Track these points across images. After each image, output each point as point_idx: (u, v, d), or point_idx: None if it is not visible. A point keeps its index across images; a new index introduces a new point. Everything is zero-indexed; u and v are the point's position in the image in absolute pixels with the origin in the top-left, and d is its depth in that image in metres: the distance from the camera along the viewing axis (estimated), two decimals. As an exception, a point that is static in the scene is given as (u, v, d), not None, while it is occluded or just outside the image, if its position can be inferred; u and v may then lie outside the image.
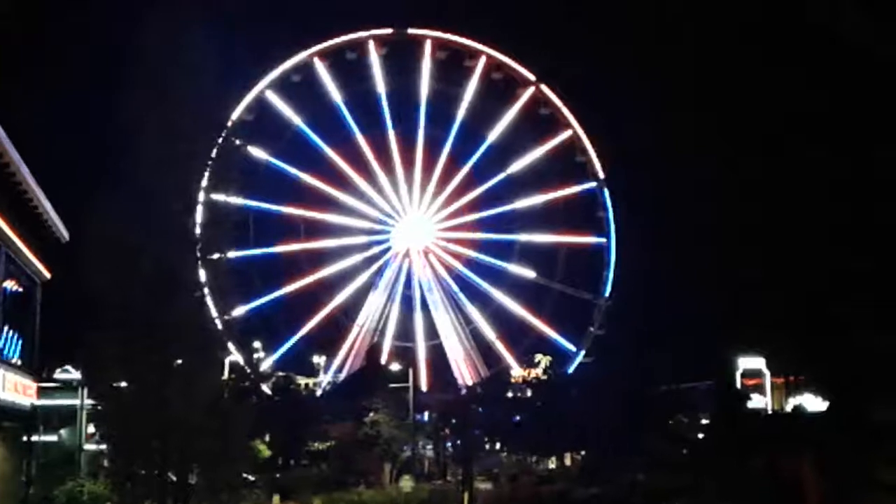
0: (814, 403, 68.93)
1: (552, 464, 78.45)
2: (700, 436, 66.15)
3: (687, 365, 72.54)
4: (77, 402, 51.00)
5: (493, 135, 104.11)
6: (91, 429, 48.35)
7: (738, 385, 77.93)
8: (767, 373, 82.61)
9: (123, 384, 30.27)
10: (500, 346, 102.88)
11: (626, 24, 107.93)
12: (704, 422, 68.44)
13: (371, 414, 69.10)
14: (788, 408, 74.70)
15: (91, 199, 29.90)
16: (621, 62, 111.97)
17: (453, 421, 75.62)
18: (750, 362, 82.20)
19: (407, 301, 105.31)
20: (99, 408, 33.17)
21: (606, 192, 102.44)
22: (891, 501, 30.92)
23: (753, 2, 36.91)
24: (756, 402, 77.16)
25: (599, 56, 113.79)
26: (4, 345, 32.35)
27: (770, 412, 76.13)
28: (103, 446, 38.50)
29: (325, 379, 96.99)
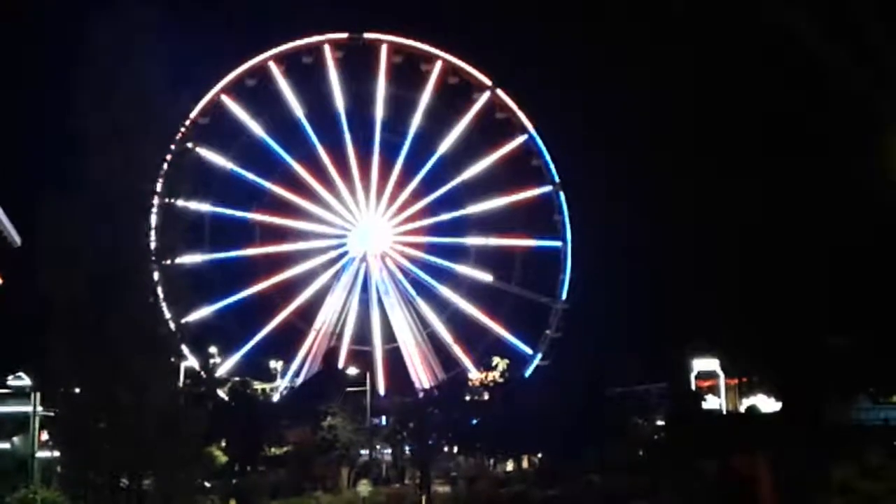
0: (767, 404, 69.95)
1: (509, 466, 78.60)
2: (655, 437, 66.81)
3: (642, 367, 73.21)
4: (30, 408, 50.41)
5: (450, 139, 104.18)
6: (44, 436, 47.79)
7: (693, 386, 78.69)
8: (722, 374, 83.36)
9: (76, 390, 29.98)
10: (457, 350, 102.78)
11: (581, 29, 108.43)
12: (660, 423, 69.07)
13: (328, 418, 68.93)
14: (742, 408, 75.56)
15: (44, 204, 29.57)
16: (576, 67, 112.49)
17: (411, 424, 75.53)
18: (704, 364, 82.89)
19: (364, 305, 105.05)
20: (51, 414, 32.89)
21: (562, 196, 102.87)
22: (841, 500, 31.40)
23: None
24: (710, 403, 77.99)
25: (554, 61, 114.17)
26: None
27: (724, 413, 76.85)
28: (56, 453, 38.10)
29: (282, 384, 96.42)
